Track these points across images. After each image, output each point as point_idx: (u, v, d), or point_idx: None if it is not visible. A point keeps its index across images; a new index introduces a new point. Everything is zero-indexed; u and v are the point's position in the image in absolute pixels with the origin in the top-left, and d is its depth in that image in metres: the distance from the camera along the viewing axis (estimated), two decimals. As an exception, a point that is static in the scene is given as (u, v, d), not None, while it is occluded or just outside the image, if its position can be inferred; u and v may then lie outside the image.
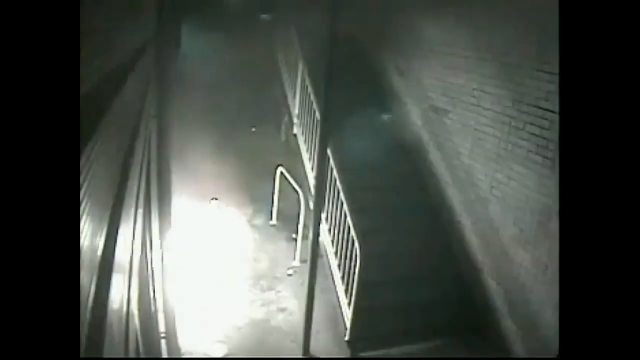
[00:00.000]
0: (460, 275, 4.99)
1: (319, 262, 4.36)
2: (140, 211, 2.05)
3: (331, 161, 4.69)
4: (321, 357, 4.19)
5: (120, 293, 1.08)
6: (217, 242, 6.24)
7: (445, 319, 4.59)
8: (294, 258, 5.79)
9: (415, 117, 5.97)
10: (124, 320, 1.16)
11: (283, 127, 10.14)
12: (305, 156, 5.72)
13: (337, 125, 4.80)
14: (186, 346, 4.24)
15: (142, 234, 2.23)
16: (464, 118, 5.02)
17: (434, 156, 5.57)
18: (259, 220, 6.78)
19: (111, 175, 1.02)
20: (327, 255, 4.84)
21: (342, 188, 4.59)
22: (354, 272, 4.18)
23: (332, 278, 4.70)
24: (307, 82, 5.62)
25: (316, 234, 4.08)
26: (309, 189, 5.30)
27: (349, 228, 4.35)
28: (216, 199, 6.97)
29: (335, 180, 4.70)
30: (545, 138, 3.92)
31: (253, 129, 5.46)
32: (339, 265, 4.62)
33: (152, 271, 3.20)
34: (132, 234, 1.52)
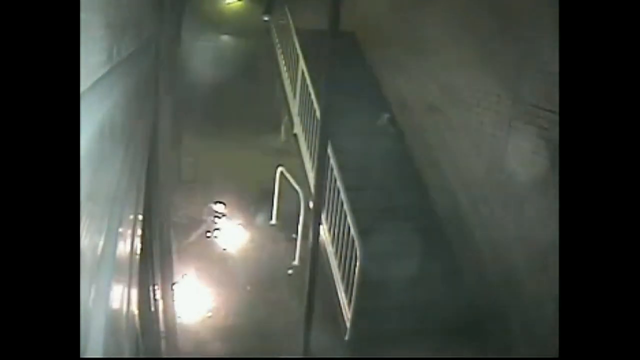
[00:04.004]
0: (461, 275, 4.99)
1: (319, 262, 4.36)
2: (140, 211, 2.05)
3: (331, 161, 4.69)
4: (321, 357, 4.18)
5: (120, 293, 1.08)
6: (217, 242, 6.24)
7: (445, 319, 4.58)
8: (294, 258, 5.78)
9: (415, 116, 5.97)
10: (124, 320, 1.16)
11: (283, 127, 10.14)
12: (305, 156, 5.71)
13: (337, 125, 4.80)
14: (186, 346, 4.24)
15: (143, 235, 2.23)
16: (464, 118, 5.02)
17: (435, 156, 5.57)
18: (259, 220, 6.78)
19: (112, 175, 1.01)
20: (327, 255, 4.83)
21: (342, 188, 4.59)
22: (354, 272, 4.18)
23: (332, 278, 4.70)
24: (307, 82, 5.62)
25: (316, 234, 4.08)
26: (309, 189, 5.30)
27: (349, 228, 4.35)
28: (222, 202, 6.97)
29: (335, 180, 4.70)
30: (545, 138, 3.92)
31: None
32: (339, 265, 4.62)
33: (153, 272, 3.20)
34: (132, 234, 1.52)
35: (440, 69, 5.44)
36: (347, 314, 4.35)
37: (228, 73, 10.22)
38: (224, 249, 6.10)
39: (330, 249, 4.83)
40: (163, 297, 3.67)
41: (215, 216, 6.78)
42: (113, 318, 0.90)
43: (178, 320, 4.40)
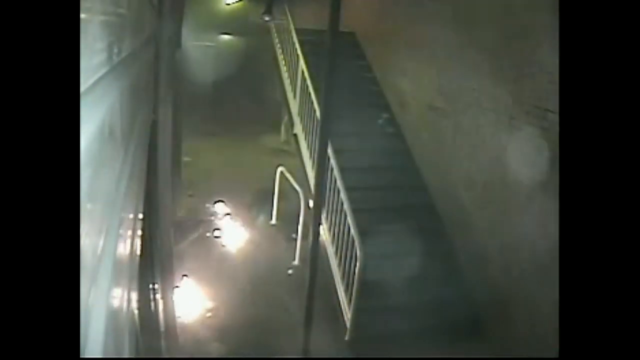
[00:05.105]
0: (461, 275, 4.99)
1: (319, 262, 4.36)
2: (140, 211, 2.05)
3: (331, 161, 4.69)
4: (321, 357, 4.18)
5: (120, 293, 1.08)
6: (217, 242, 6.24)
7: (445, 319, 4.59)
8: (294, 258, 5.78)
9: (415, 116, 5.97)
10: (124, 320, 1.16)
11: (283, 127, 10.14)
12: (305, 156, 5.72)
13: (337, 125, 4.80)
14: (186, 346, 4.24)
15: (143, 235, 2.23)
16: (464, 118, 5.02)
17: (434, 155, 5.57)
18: (259, 220, 6.78)
19: (112, 175, 1.02)
20: (327, 255, 4.84)
21: (342, 188, 4.59)
22: (354, 272, 4.18)
23: (332, 278, 4.70)
24: (307, 82, 5.62)
25: (316, 234, 4.08)
26: (309, 189, 5.30)
27: (349, 228, 4.35)
28: (222, 202, 6.97)
29: (335, 180, 4.70)
30: (545, 138, 3.92)
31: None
32: (339, 265, 4.62)
33: (153, 272, 3.20)
34: (132, 234, 1.52)
35: (440, 69, 5.45)
36: (347, 314, 4.35)
37: (228, 73, 10.23)
38: (224, 249, 6.10)
39: (330, 249, 4.83)
40: (163, 297, 3.67)
41: (215, 216, 6.78)
42: (113, 318, 0.90)
43: (178, 320, 4.39)
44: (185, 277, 5.20)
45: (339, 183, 4.65)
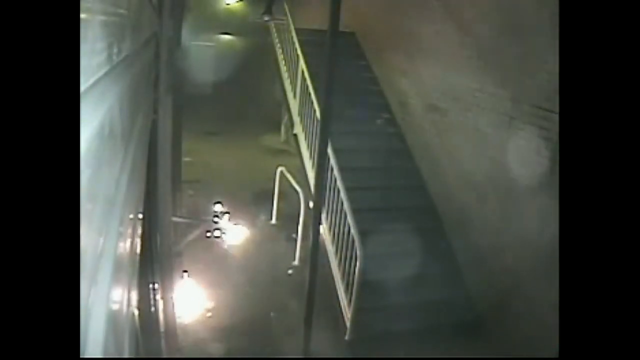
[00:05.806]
0: (461, 275, 4.99)
1: (319, 262, 4.36)
2: (140, 211, 2.05)
3: (331, 161, 4.69)
4: (321, 357, 4.18)
5: (120, 293, 1.08)
6: (217, 242, 6.23)
7: (445, 319, 4.59)
8: (294, 258, 5.78)
9: (415, 116, 5.97)
10: (124, 320, 1.16)
11: (283, 127, 10.14)
12: (305, 156, 5.72)
13: (337, 124, 4.79)
14: (186, 346, 4.24)
15: (143, 234, 2.23)
16: (464, 118, 5.02)
17: (434, 156, 5.57)
18: (259, 220, 6.78)
19: (112, 175, 1.02)
20: (327, 255, 4.84)
21: (342, 188, 4.59)
22: (354, 272, 4.18)
23: (332, 278, 4.70)
24: (307, 82, 5.62)
25: (316, 234, 4.08)
26: (309, 189, 5.30)
27: (349, 228, 4.35)
28: (222, 202, 6.96)
29: (335, 180, 4.70)
30: (545, 138, 3.92)
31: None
32: (339, 265, 4.62)
33: (153, 272, 3.20)
34: (132, 234, 1.52)
35: (440, 69, 5.44)
36: (347, 313, 4.35)
37: (228, 73, 10.23)
38: (224, 249, 6.10)
39: (330, 249, 4.83)
40: (163, 297, 3.67)
41: (215, 216, 6.78)
42: (113, 318, 0.90)
43: (178, 320, 4.39)
44: (185, 277, 5.20)
45: (339, 183, 4.65)
